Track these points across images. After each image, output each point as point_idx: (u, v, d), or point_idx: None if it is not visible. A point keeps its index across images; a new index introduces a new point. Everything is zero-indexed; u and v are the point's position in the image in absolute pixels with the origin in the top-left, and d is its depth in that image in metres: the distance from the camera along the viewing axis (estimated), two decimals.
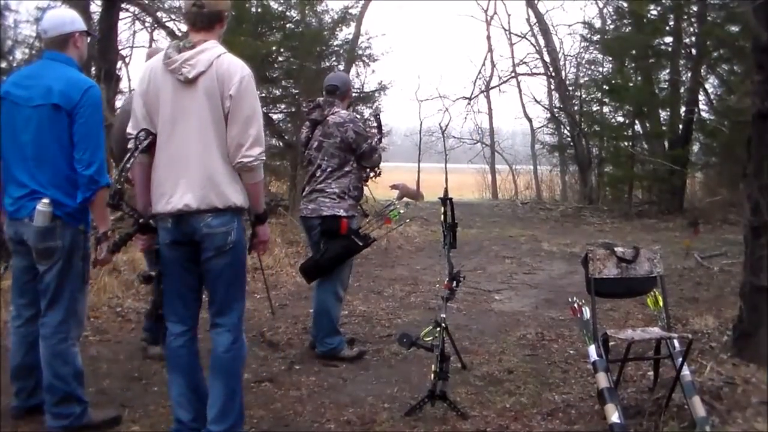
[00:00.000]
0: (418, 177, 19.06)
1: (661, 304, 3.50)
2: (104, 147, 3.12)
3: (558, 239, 10.03)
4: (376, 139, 4.47)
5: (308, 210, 4.34)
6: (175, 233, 2.80)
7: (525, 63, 20.16)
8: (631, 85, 13.80)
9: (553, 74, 17.98)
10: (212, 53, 2.74)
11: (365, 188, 4.59)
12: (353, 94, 4.51)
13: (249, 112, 2.74)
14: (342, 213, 4.26)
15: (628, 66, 14.41)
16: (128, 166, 2.76)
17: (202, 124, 2.72)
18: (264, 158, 2.78)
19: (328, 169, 4.29)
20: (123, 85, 10.31)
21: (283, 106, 11.62)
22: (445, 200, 3.93)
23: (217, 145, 2.74)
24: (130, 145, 2.81)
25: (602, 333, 3.32)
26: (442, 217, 3.92)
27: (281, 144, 11.41)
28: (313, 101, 4.50)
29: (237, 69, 2.74)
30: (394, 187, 21.19)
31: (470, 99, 20.08)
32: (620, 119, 15.00)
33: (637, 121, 14.30)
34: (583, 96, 16.35)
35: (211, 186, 2.73)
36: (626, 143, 14.27)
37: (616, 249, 3.41)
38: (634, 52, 13.92)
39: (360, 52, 12.24)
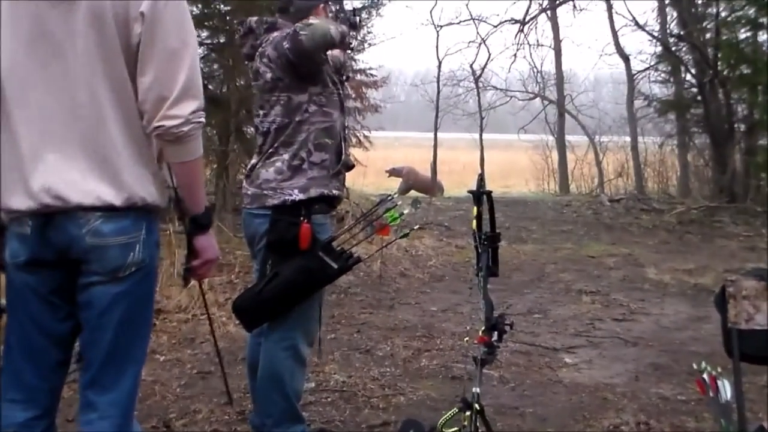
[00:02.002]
0: (434, 156, 19.22)
1: None
2: None
3: (673, 262, 10.08)
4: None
5: (247, 199, 4.37)
6: (36, 245, 2.80)
7: None
8: None
9: None
10: None
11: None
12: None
13: (176, 44, 2.75)
14: (296, 195, 4.21)
15: None
16: None
17: (87, 64, 2.73)
18: (203, 120, 2.80)
19: (273, 128, 4.33)
20: None
21: (205, 34, 11.66)
22: (480, 195, 3.95)
23: (114, 101, 2.75)
24: None
25: (756, 427, 3.34)
26: (475, 223, 3.94)
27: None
28: (243, 24, 4.55)
29: None
30: (393, 172, 21.34)
31: (524, 22, 20.19)
32: None
33: None
34: (723, 14, 16.45)
35: (102, 168, 2.74)
36: None
37: None
38: None
39: None
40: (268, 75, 4.29)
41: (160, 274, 6.93)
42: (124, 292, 2.81)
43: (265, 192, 4.24)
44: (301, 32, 4.09)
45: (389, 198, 4.58)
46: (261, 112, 4.36)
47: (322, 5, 4.52)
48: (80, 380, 2.93)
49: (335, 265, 4.27)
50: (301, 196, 4.19)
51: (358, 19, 4.94)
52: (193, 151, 2.83)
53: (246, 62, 4.63)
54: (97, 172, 2.74)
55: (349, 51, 4.90)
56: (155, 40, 2.71)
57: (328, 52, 4.48)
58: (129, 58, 2.73)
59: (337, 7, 4.77)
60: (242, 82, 10.84)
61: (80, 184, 2.73)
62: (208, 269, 3.09)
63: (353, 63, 12.68)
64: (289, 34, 4.18)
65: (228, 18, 10.95)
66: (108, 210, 2.75)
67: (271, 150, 4.30)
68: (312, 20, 4.19)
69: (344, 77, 4.71)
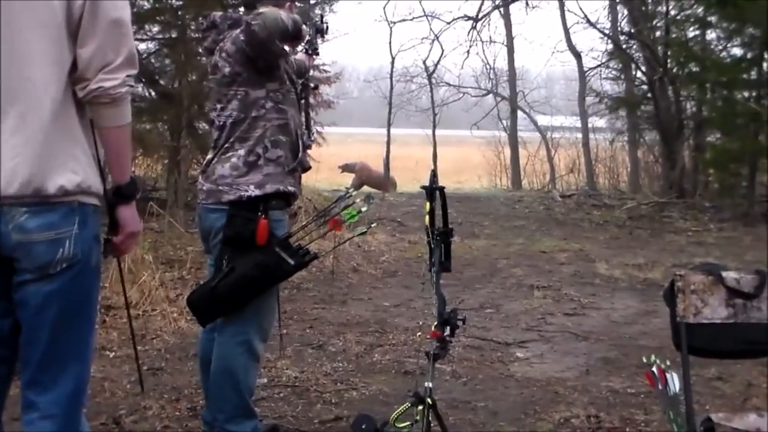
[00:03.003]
0: (387, 152, 19.26)
1: None
2: None
3: (624, 257, 10.20)
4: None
5: (202, 195, 4.35)
6: None
7: None
8: None
9: None
10: None
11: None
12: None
13: (117, 14, 2.73)
14: (252, 191, 4.21)
15: None
16: None
17: (15, 35, 2.67)
18: (134, 85, 2.79)
19: (229, 122, 4.32)
20: None
21: (156, 29, 11.57)
22: (433, 191, 3.95)
23: (47, 76, 2.69)
24: None
25: (703, 418, 3.38)
26: (428, 219, 3.94)
27: (152, 94, 11.36)
28: (207, 18, 4.52)
29: None
30: (346, 168, 21.36)
31: (477, 19, 20.36)
32: (736, 52, 15.38)
33: (766, 56, 14.55)
34: (673, 12, 16.67)
35: (30, 151, 2.68)
36: (747, 94, 14.61)
37: (725, 275, 3.47)
38: None
39: None
40: (227, 69, 4.28)
41: (109, 270, 6.87)
42: (57, 290, 2.75)
43: (221, 188, 4.23)
44: (252, 22, 4.08)
45: (347, 195, 4.58)
46: (218, 106, 4.35)
47: (288, 3, 4.52)
48: (21, 380, 2.88)
49: (292, 262, 4.27)
50: (257, 192, 4.19)
51: (325, 25, 4.96)
52: (126, 114, 2.81)
53: (206, 57, 4.59)
54: (23, 157, 2.66)
55: (316, 56, 4.91)
56: (97, 11, 2.69)
57: (295, 57, 4.48)
58: (70, 35, 2.71)
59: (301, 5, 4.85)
60: (194, 78, 10.78)
61: (5, 172, 2.66)
62: (130, 243, 3.02)
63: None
64: (242, 28, 4.17)
65: (180, 13, 10.90)
66: (35, 201, 2.68)
67: (227, 145, 4.29)
68: (262, 9, 4.17)
69: (309, 83, 4.72)
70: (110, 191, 2.89)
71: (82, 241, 2.77)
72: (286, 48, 4.44)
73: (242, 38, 4.17)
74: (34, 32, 2.68)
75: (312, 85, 4.79)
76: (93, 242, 2.83)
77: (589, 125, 20.67)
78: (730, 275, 3.45)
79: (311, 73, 4.87)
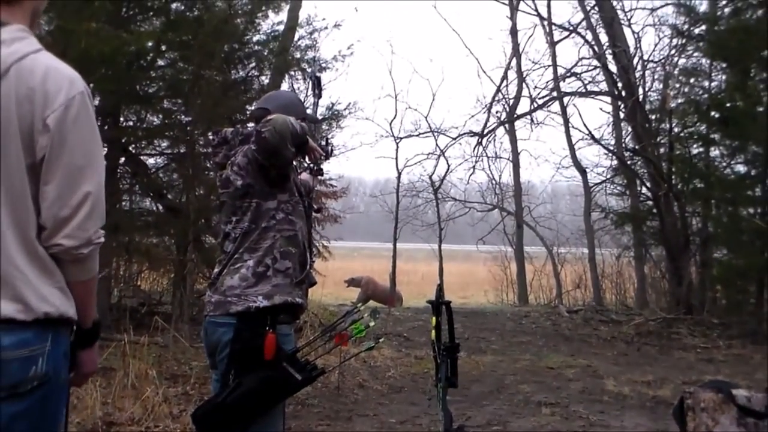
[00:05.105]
0: (393, 267, 19.21)
1: None
2: None
3: (632, 374, 10.10)
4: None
5: (210, 307, 4.33)
6: None
7: (575, 75, 20.72)
8: (761, 110, 14.22)
9: (624, 93, 18.43)
10: (13, 50, 2.65)
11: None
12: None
13: (81, 161, 2.67)
14: (260, 302, 4.19)
15: (755, 77, 14.91)
16: None
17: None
18: (102, 239, 2.73)
19: (239, 234, 4.34)
20: None
21: (165, 144, 11.72)
22: (439, 306, 3.96)
23: (15, 216, 2.65)
24: None
25: None
26: (434, 334, 3.94)
27: (159, 208, 11.42)
28: (218, 134, 4.58)
29: (62, 82, 2.66)
30: (352, 282, 21.38)
31: (482, 135, 20.58)
32: (740, 168, 15.52)
33: None
34: (676, 130, 16.81)
35: (3, 287, 2.63)
36: (753, 210, 14.68)
37: (736, 393, 3.45)
38: (766, 53, 14.26)
39: (297, 54, 12.56)
40: (239, 182, 4.32)
41: (113, 384, 6.83)
42: (25, 410, 2.67)
43: (229, 299, 4.22)
44: (262, 129, 4.13)
45: (355, 310, 4.58)
46: (233, 219, 4.37)
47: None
48: None
49: (299, 377, 4.24)
50: (266, 303, 4.17)
51: (330, 148, 5.05)
52: (91, 269, 2.78)
53: (217, 172, 4.62)
54: None
55: (320, 177, 4.98)
56: (61, 155, 2.63)
57: (300, 177, 4.55)
58: (32, 173, 2.64)
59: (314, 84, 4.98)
60: (201, 192, 10.87)
61: None
62: (83, 381, 3.02)
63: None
64: (253, 138, 4.23)
65: (188, 128, 11.02)
66: (8, 322, 2.62)
67: (236, 256, 4.30)
68: (269, 117, 4.23)
69: (313, 204, 4.80)
70: (72, 335, 2.86)
71: (54, 359, 2.72)
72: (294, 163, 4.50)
73: (254, 147, 4.22)
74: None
75: (315, 207, 4.83)
76: (63, 359, 2.78)
77: (595, 241, 20.68)
78: (740, 393, 3.44)
79: (316, 188, 4.94)
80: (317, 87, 5.09)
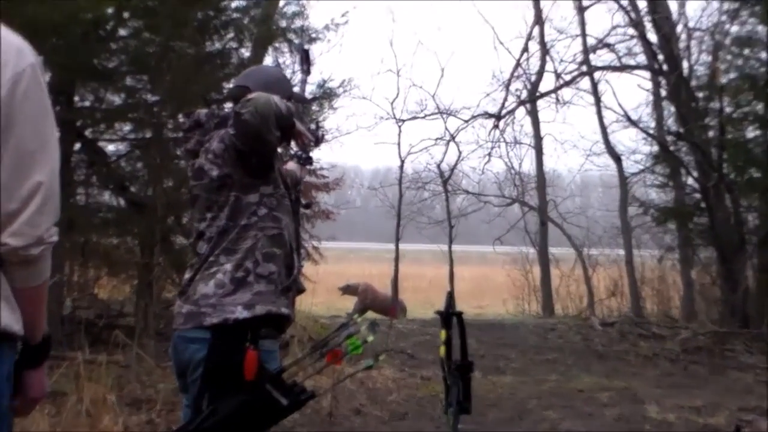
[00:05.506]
0: (395, 271, 19.30)
1: None
2: None
3: (678, 398, 10.08)
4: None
5: (180, 319, 4.29)
6: None
7: (608, 46, 20.70)
8: None
9: (665, 67, 18.40)
10: None
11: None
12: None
13: (32, 145, 2.69)
14: (239, 313, 4.16)
15: None
16: None
17: None
18: (55, 238, 2.73)
19: (214, 233, 4.31)
20: None
21: (127, 128, 11.75)
22: (450, 317, 3.92)
23: None
24: None
25: None
26: (444, 350, 3.89)
27: (121, 203, 11.48)
28: (190, 116, 4.56)
29: (9, 53, 2.69)
30: (347, 290, 21.56)
31: (499, 117, 20.56)
32: None
33: None
34: (728, 110, 16.82)
35: None
36: None
37: None
38: None
39: (283, 23, 12.61)
40: (214, 172, 4.32)
41: (64, 413, 6.82)
42: None
43: (203, 309, 4.18)
44: (242, 110, 4.10)
45: (350, 323, 4.54)
46: (208, 215, 4.36)
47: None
48: None
49: (285, 401, 4.19)
50: (246, 314, 4.14)
51: (321, 132, 5.03)
52: (41, 273, 2.77)
53: (188, 160, 4.62)
54: None
55: (310, 166, 4.93)
56: (8, 138, 2.65)
57: (285, 167, 4.51)
58: None
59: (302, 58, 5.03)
60: (170, 184, 10.90)
61: None
62: (30, 409, 3.02)
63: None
64: (230, 121, 4.20)
65: (155, 110, 11.03)
66: None
67: (211, 258, 4.28)
68: (249, 96, 4.20)
69: (300, 197, 4.79)
70: (19, 351, 2.85)
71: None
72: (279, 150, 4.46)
73: (232, 131, 4.21)
74: None
75: (304, 201, 4.83)
76: (5, 383, 2.75)
77: (633, 240, 20.69)
78: None
79: (305, 180, 4.90)
80: (306, 61, 5.09)
